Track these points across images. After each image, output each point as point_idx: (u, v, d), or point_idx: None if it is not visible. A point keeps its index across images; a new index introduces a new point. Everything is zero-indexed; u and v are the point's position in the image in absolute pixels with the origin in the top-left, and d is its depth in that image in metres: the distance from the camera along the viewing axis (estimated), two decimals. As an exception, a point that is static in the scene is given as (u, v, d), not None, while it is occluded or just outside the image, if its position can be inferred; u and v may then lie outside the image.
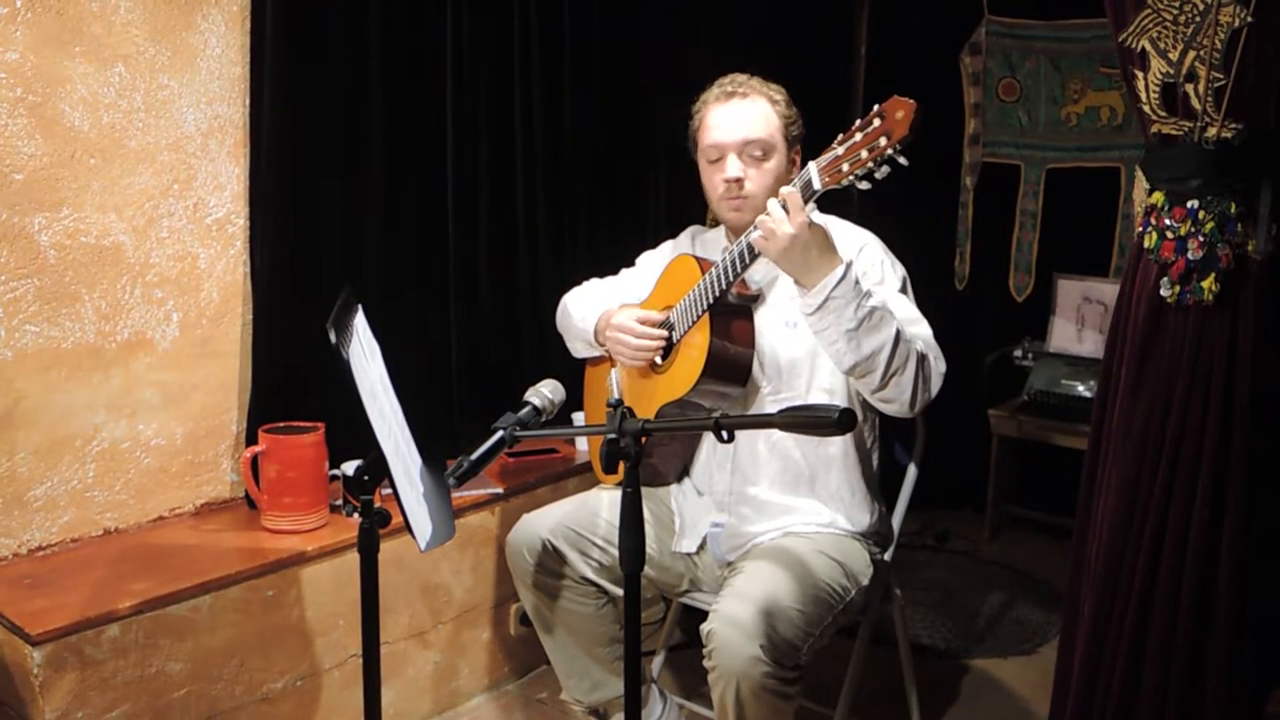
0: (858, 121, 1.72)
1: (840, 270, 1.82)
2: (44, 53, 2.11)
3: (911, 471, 2.30)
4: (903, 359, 1.86)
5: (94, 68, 2.18)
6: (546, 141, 2.98)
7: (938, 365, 1.95)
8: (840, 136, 1.76)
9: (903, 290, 2.05)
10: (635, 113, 3.25)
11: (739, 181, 2.05)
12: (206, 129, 2.37)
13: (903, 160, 1.68)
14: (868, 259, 2.05)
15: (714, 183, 2.10)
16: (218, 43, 2.37)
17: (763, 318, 2.08)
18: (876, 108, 1.69)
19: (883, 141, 1.67)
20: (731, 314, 2.04)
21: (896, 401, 1.92)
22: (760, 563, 1.97)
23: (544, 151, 2.98)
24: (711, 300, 2.00)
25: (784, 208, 1.80)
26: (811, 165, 1.80)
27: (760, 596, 1.85)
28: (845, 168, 1.73)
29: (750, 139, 2.05)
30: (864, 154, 1.70)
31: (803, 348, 2.03)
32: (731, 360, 2.02)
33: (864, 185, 1.74)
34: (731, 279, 1.97)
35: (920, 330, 1.97)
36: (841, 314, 1.81)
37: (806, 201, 1.81)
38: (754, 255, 1.91)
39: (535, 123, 2.94)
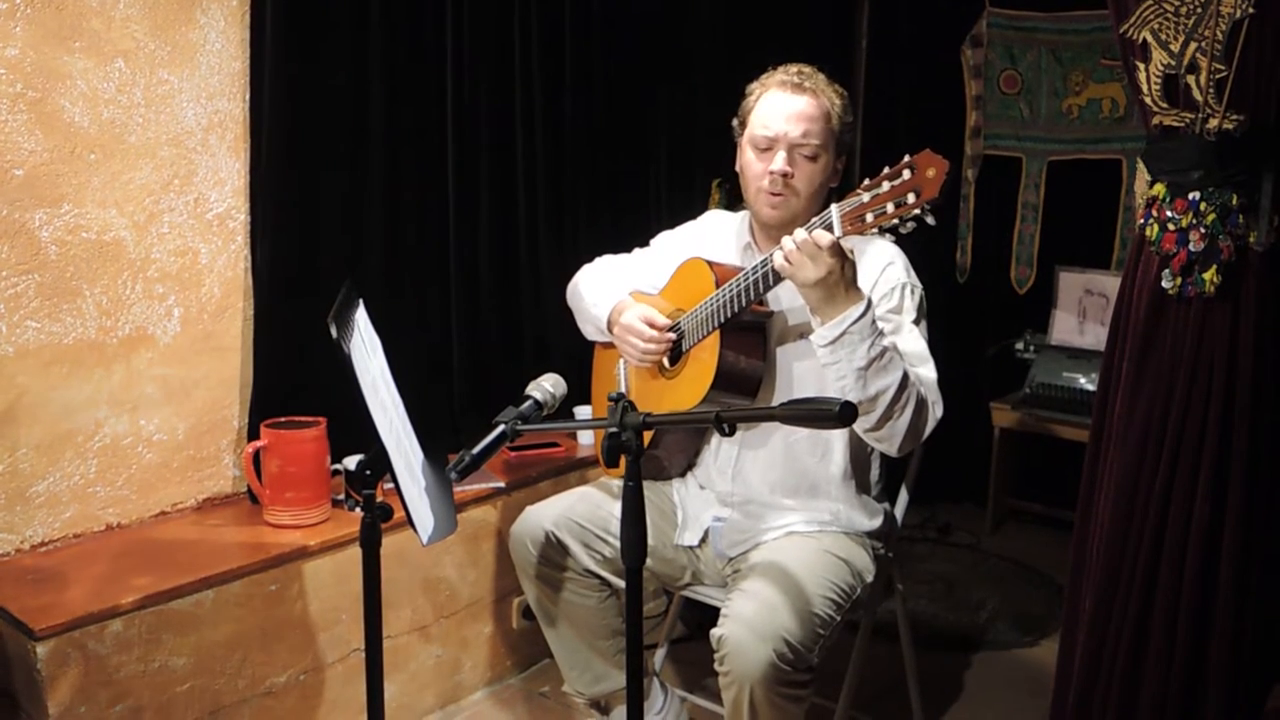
0: (886, 169, 1.65)
1: (861, 306, 1.77)
2: (43, 48, 2.11)
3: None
4: (903, 404, 1.84)
5: (94, 63, 2.18)
6: (547, 135, 2.97)
7: (934, 411, 1.92)
8: (867, 182, 1.69)
9: (917, 320, 2.00)
10: (636, 105, 3.24)
11: (786, 176, 1.98)
12: (207, 124, 2.37)
13: (930, 220, 1.62)
14: (890, 280, 2.00)
15: (756, 172, 2.02)
16: (218, 38, 2.37)
17: (775, 330, 2.05)
18: (907, 159, 1.62)
19: (910, 199, 1.61)
20: (743, 329, 2.01)
21: (886, 442, 1.90)
22: (768, 564, 1.96)
23: (545, 145, 2.97)
24: (725, 319, 1.97)
25: (817, 245, 1.72)
26: (834, 209, 1.73)
27: (771, 599, 1.84)
28: (869, 218, 1.67)
29: (805, 139, 1.98)
30: (890, 208, 1.63)
31: (815, 361, 2.01)
32: (741, 375, 2.01)
33: (888, 239, 1.70)
34: (746, 302, 1.93)
35: (924, 373, 1.93)
36: (855, 350, 1.78)
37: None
38: (776, 281, 1.85)
39: (536, 116, 2.94)
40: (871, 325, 1.78)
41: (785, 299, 2.05)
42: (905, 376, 1.83)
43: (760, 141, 2.02)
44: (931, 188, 1.58)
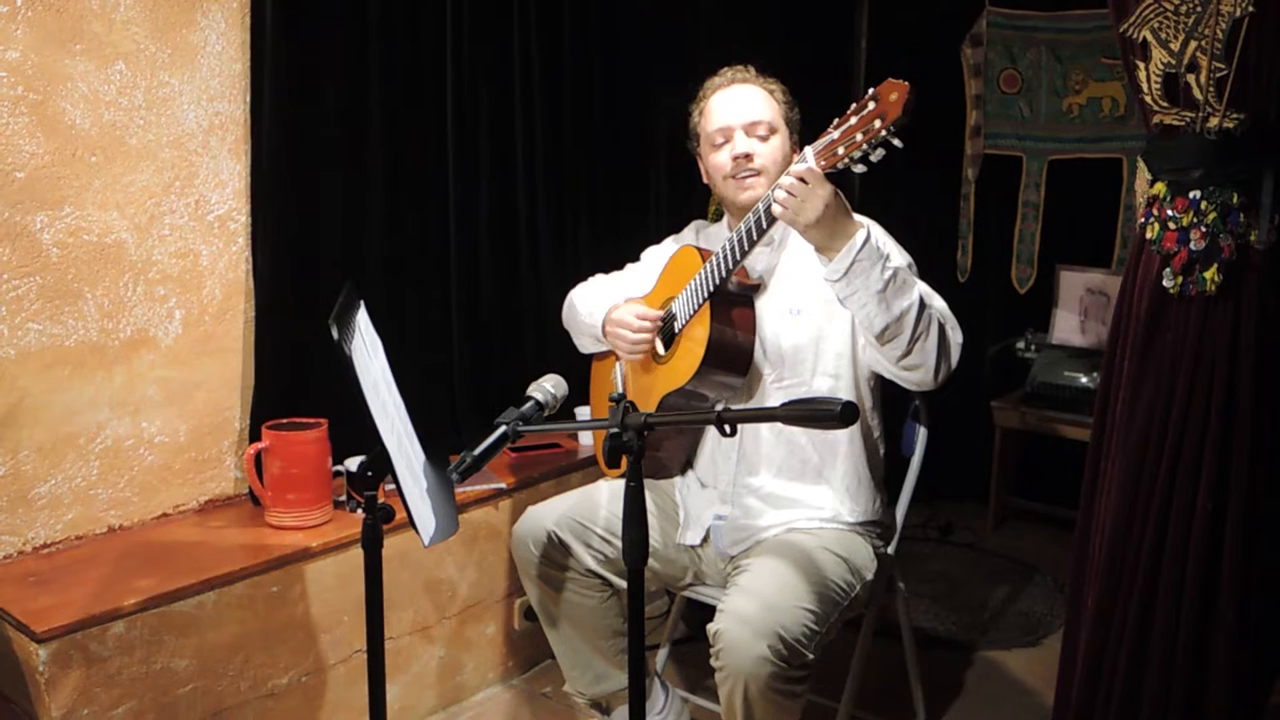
0: (853, 105, 1.74)
1: (863, 234, 1.83)
2: (45, 51, 2.11)
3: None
4: (927, 323, 1.87)
5: (95, 65, 2.18)
6: (547, 135, 2.98)
7: (955, 335, 1.95)
8: (835, 121, 1.77)
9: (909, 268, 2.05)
10: (636, 107, 3.24)
11: (749, 156, 2.06)
12: (207, 126, 2.37)
13: (897, 142, 1.69)
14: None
15: (721, 164, 2.10)
16: (218, 40, 2.37)
17: (765, 305, 2.08)
18: (870, 91, 1.71)
19: (877, 124, 1.68)
20: (732, 302, 2.04)
21: (921, 368, 1.91)
22: (766, 560, 1.96)
23: (544, 146, 2.97)
24: (713, 287, 2.00)
25: (803, 180, 1.79)
26: (808, 150, 1.81)
27: (768, 595, 1.84)
28: (840, 151, 1.74)
29: (756, 119, 2.08)
30: (859, 137, 1.71)
31: (805, 335, 2.03)
32: (733, 349, 2.02)
33: (860, 168, 1.75)
34: (734, 262, 1.96)
35: (936, 302, 1.97)
36: (869, 276, 1.81)
37: None
38: (769, 223, 1.89)
39: (536, 118, 2.94)
40: (877, 249, 1.83)
41: (772, 279, 2.09)
42: (922, 296, 1.87)
43: (715, 137, 2.11)
44: (895, 109, 1.66)
